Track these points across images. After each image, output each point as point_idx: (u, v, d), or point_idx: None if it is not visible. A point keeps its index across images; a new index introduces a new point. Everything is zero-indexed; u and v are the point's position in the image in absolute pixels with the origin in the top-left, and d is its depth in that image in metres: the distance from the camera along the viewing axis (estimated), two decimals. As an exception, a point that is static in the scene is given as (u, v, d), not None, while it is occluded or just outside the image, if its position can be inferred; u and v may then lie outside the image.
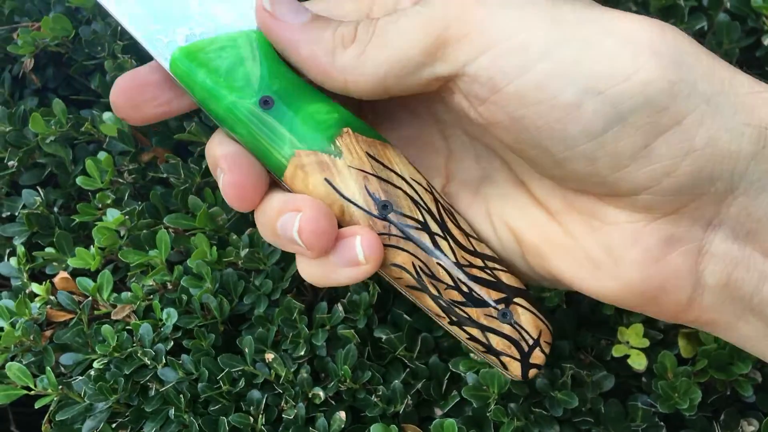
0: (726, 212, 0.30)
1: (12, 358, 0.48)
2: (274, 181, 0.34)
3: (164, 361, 0.46)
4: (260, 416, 0.44)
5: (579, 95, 0.28)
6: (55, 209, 0.54)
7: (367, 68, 0.31)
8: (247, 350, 0.45)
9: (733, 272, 0.30)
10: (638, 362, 0.45)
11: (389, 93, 0.32)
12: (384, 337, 0.46)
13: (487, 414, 0.44)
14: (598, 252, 0.32)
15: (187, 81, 0.33)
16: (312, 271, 0.33)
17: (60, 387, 0.46)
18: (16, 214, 0.53)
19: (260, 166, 0.33)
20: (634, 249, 0.31)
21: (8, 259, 0.52)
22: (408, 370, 0.46)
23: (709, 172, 0.29)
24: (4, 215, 0.54)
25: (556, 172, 0.31)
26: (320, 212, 0.31)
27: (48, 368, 0.46)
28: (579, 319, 0.48)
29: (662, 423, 0.45)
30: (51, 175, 0.56)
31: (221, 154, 0.33)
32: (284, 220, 0.32)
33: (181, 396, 0.45)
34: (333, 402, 0.46)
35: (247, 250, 0.48)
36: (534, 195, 0.34)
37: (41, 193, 0.53)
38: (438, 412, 0.46)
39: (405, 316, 0.47)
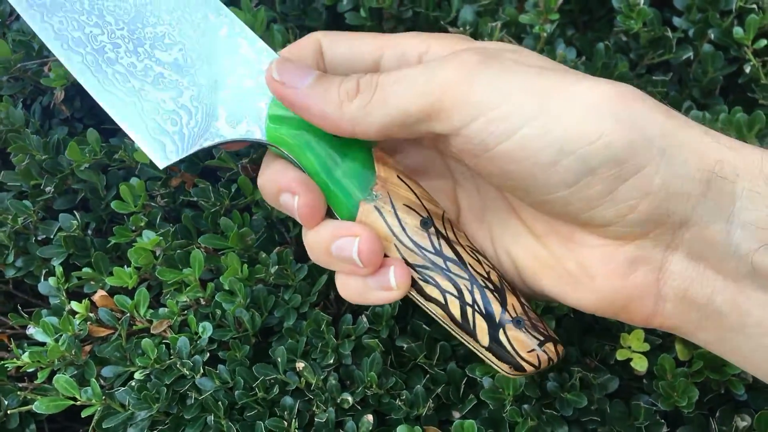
0: (681, 238, 0.35)
1: (54, 372, 0.51)
2: None
3: (201, 371, 0.49)
4: (293, 421, 0.48)
5: (555, 155, 0.34)
6: (89, 232, 0.57)
7: (373, 117, 0.36)
8: (279, 360, 0.49)
9: (689, 287, 0.35)
10: (640, 365, 0.48)
11: (393, 137, 0.37)
12: (405, 345, 0.50)
13: (503, 415, 0.47)
14: (576, 269, 0.37)
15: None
16: (351, 290, 0.39)
17: (103, 397, 0.49)
18: (52, 236, 0.56)
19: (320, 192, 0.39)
20: (605, 267, 0.36)
21: (45, 279, 0.55)
22: (428, 376, 0.50)
23: (665, 209, 0.34)
24: (39, 238, 0.57)
25: (538, 207, 0.37)
26: (374, 237, 0.37)
27: (92, 380, 0.49)
28: (584, 327, 0.52)
29: (663, 420, 0.48)
30: (82, 200, 0.59)
31: (292, 177, 0.38)
32: (341, 243, 0.37)
33: (219, 403, 0.48)
34: (360, 407, 0.49)
35: (276, 267, 0.51)
36: (523, 220, 0.40)
37: (77, 217, 0.56)
38: (456, 414, 0.50)
39: (424, 326, 0.50)
